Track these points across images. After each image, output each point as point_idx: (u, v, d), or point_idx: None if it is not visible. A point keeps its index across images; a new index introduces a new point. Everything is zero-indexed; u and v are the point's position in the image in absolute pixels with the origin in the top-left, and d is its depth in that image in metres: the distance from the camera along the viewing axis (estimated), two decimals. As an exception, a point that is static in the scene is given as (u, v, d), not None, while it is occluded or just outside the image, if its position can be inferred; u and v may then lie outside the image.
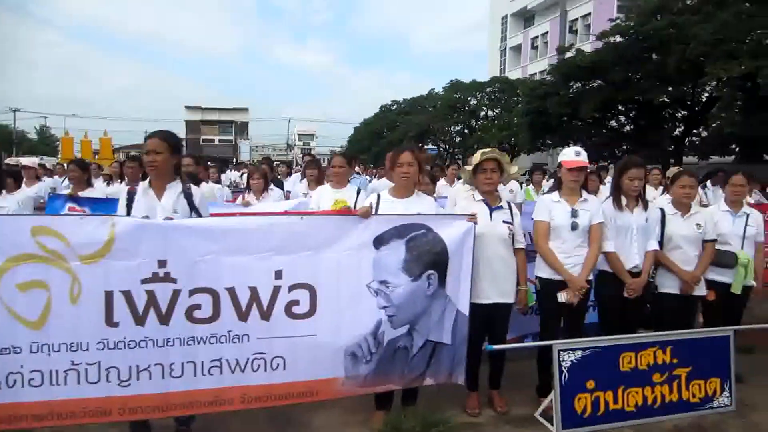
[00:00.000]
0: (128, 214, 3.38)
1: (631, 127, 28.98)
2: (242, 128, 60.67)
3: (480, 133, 36.90)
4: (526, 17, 45.43)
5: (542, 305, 4.14)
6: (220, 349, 3.38)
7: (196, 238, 3.31)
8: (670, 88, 23.44)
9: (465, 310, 3.79)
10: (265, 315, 3.43)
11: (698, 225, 4.32)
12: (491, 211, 3.96)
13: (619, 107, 27.74)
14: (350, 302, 3.57)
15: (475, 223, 3.76)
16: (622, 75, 24.00)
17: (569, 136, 28.11)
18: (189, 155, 6.58)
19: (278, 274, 3.45)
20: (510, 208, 4.04)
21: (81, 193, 5.93)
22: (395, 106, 47.61)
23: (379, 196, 3.89)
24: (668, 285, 4.34)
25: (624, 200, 4.14)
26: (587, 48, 27.71)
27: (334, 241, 3.56)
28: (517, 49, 44.96)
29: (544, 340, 4.07)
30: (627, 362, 3.93)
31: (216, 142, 59.24)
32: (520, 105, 33.46)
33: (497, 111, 38.23)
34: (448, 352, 3.81)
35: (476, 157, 3.99)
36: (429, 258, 3.67)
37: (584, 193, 4.07)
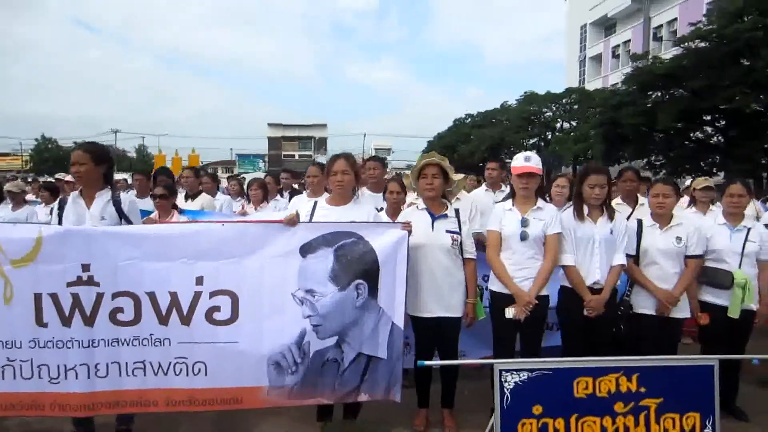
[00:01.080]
0: (60, 222, 3.53)
1: (720, 138, 26.85)
2: (320, 144, 62.53)
3: (554, 146, 35.66)
4: (606, 26, 43.46)
5: (493, 321, 3.85)
6: (143, 352, 3.44)
7: (118, 244, 3.40)
8: (762, 96, 21.49)
9: (400, 323, 3.60)
10: (186, 320, 3.45)
11: (678, 238, 3.85)
12: (434, 219, 3.75)
13: (705, 117, 25.82)
14: (274, 310, 3.51)
15: (409, 232, 3.58)
16: (703, 82, 22.31)
17: (646, 149, 26.54)
18: (188, 168, 6.89)
19: (199, 281, 3.46)
20: (458, 216, 3.80)
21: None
22: (468, 120, 47.10)
23: (315, 203, 3.80)
24: (643, 304, 3.90)
25: (586, 210, 3.77)
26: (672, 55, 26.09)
27: (259, 249, 3.52)
28: (597, 58, 43.04)
29: (497, 357, 3.78)
30: (582, 388, 3.54)
31: (296, 157, 61.44)
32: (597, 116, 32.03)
33: (573, 123, 36.80)
34: (384, 367, 3.62)
35: (417, 163, 3.81)
36: (358, 267, 3.54)
37: (540, 202, 3.76)
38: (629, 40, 39.07)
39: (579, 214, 3.77)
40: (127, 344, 3.42)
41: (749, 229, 4.04)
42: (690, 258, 3.88)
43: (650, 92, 25.21)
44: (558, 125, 38.38)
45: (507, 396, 3.48)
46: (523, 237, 3.66)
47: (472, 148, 40.66)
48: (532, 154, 3.82)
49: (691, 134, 27.20)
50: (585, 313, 3.68)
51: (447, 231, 3.72)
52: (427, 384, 3.95)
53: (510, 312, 3.63)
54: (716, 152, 26.75)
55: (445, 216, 3.77)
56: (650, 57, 24.56)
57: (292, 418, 3.98)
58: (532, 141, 40.72)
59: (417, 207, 3.87)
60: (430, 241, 3.70)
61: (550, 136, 38.76)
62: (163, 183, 5.01)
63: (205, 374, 3.46)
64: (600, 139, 27.92)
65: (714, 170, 26.39)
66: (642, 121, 24.42)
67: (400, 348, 3.61)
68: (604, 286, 3.70)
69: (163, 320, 3.42)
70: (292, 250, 3.52)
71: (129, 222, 3.58)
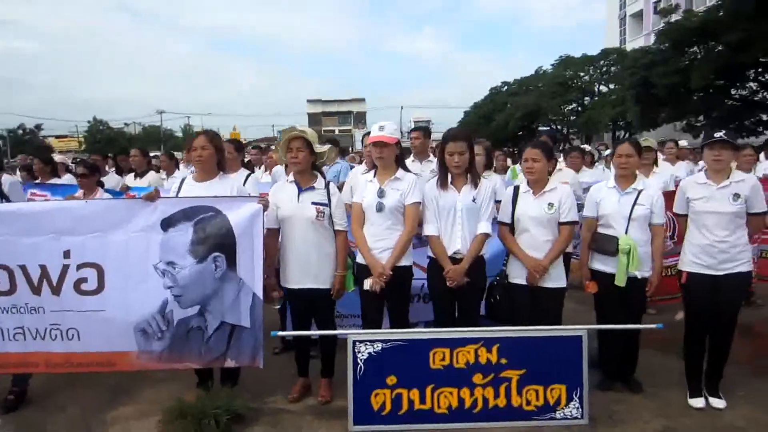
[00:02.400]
0: None
1: (765, 94, 25.12)
2: (359, 117, 62.55)
3: (591, 111, 34.35)
4: (647, -22, 40.88)
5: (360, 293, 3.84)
6: (21, 319, 3.69)
7: None
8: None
9: (260, 293, 3.67)
10: (56, 290, 3.66)
11: (550, 204, 3.70)
12: (300, 192, 3.76)
13: (747, 72, 24.16)
14: (138, 281, 3.66)
15: (265, 205, 3.62)
16: (740, 34, 20.77)
17: (682, 110, 25.15)
18: (136, 148, 7.10)
19: (67, 254, 3.64)
20: (327, 188, 3.79)
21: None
22: (505, 88, 45.86)
23: (183, 180, 3.90)
24: (516, 274, 3.79)
25: (450, 178, 3.68)
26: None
27: (123, 224, 3.66)
28: (638, 15, 40.53)
29: (364, 328, 3.79)
30: (439, 359, 3.52)
31: (336, 132, 61.77)
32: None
33: (612, 86, 35.23)
34: (249, 335, 3.71)
35: (282, 137, 3.81)
36: (215, 240, 3.62)
37: (399, 172, 3.70)
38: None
39: (442, 183, 3.68)
40: (7, 312, 3.69)
41: (639, 192, 3.84)
42: (563, 225, 3.72)
43: (686, 48, 23.75)
44: (596, 89, 36.82)
45: (360, 366, 3.51)
46: (379, 208, 3.62)
47: (507, 117, 39.65)
48: (388, 123, 3.74)
49: (733, 92, 25.58)
50: (447, 283, 3.62)
51: (313, 203, 3.72)
52: (305, 354, 4.02)
53: (367, 283, 3.62)
54: (763, 109, 25.10)
55: (313, 188, 3.77)
56: (682, 10, 22.99)
57: (182, 384, 4.11)
58: (570, 107, 39.37)
59: (287, 180, 3.89)
60: (295, 213, 3.72)
61: (588, 101, 37.31)
62: (83, 163, 5.20)
63: (79, 339, 3.68)
64: (633, 102, 26.64)
65: (761, 129, 24.82)
66: (676, 80, 23.08)
67: (261, 318, 3.69)
68: (466, 256, 3.63)
69: (36, 291, 3.64)
70: (153, 225, 3.64)
71: (8, 201, 3.77)
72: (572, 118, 38.41)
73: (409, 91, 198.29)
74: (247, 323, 3.70)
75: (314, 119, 61.57)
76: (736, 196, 3.58)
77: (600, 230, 3.92)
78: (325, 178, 3.90)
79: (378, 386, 3.52)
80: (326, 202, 3.76)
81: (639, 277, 3.76)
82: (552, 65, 39.33)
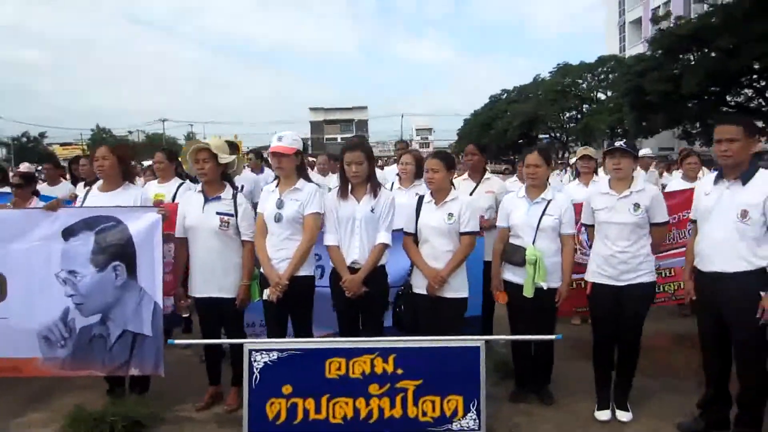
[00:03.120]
0: None
1: (761, 101, 24.94)
2: (361, 125, 62.78)
3: (588, 118, 34.26)
4: (645, -15, 40.77)
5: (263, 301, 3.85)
6: None
7: None
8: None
9: (161, 302, 3.70)
10: None
11: (450, 215, 3.69)
12: (206, 202, 3.78)
13: (742, 79, 24.02)
14: (40, 290, 3.71)
15: (164, 214, 3.65)
16: (730, 40, 20.66)
17: (677, 117, 25.02)
18: (82, 156, 7.13)
19: None
20: (234, 198, 3.81)
21: None
22: (504, 95, 45.86)
23: (89, 190, 3.95)
24: (418, 284, 3.78)
25: (350, 188, 3.69)
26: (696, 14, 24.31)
27: (24, 233, 3.72)
28: (638, 22, 40.47)
29: (269, 337, 3.80)
30: (335, 368, 3.51)
31: (339, 140, 61.93)
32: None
33: (610, 93, 35.13)
34: (151, 343, 3.74)
35: (186, 149, 3.85)
36: (115, 249, 3.68)
37: (300, 182, 3.71)
38: (669, 0, 36.61)
39: (342, 193, 3.69)
40: None
41: (549, 202, 3.83)
42: (463, 235, 3.72)
43: (679, 55, 23.66)
44: (594, 96, 36.74)
45: (256, 376, 3.51)
46: (278, 218, 3.63)
47: (505, 125, 39.64)
48: (286, 134, 3.75)
49: (729, 98, 25.43)
50: (345, 293, 3.63)
51: (217, 213, 3.74)
52: (216, 363, 4.03)
53: (265, 293, 3.63)
54: (758, 116, 24.91)
55: (219, 198, 3.79)
56: (674, 17, 22.92)
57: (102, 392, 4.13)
58: (569, 114, 39.31)
59: (196, 190, 3.92)
60: (199, 223, 3.74)
61: (587, 109, 37.23)
62: (20, 174, 5.25)
63: None
64: (629, 109, 26.55)
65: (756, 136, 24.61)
66: (668, 87, 22.99)
67: (161, 326, 3.71)
68: (363, 266, 3.63)
69: None
70: (54, 234, 3.69)
71: None
72: (571, 125, 38.34)
73: (412, 97, 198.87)
74: (149, 332, 3.73)
75: (316, 127, 61.96)
76: (637, 206, 3.56)
77: (510, 240, 3.91)
78: (234, 188, 3.92)
79: (273, 395, 3.51)
80: (232, 212, 3.77)
81: (545, 287, 3.73)
82: (550, 73, 39.30)
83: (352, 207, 3.66)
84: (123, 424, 3.50)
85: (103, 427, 3.48)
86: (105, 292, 3.68)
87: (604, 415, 3.70)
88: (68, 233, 3.69)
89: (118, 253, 3.66)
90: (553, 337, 3.57)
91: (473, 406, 3.52)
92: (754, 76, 23.37)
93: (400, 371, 3.52)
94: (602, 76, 35.52)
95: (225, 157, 3.79)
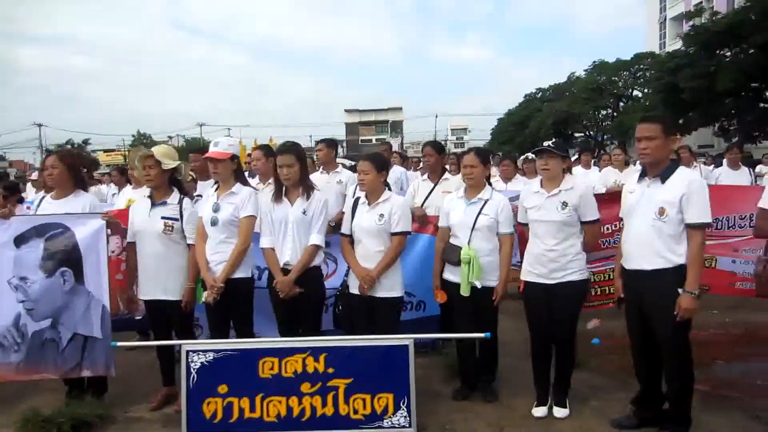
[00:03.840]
0: None
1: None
2: (396, 126, 62.90)
3: (623, 116, 33.34)
4: (687, -20, 39.43)
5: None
6: None
7: None
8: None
9: (108, 305, 3.86)
10: None
11: (381, 216, 3.71)
12: (152, 206, 3.92)
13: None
14: None
15: (108, 220, 3.82)
16: (766, 36, 19.84)
17: (712, 114, 24.12)
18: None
19: None
20: (181, 203, 3.94)
21: None
22: (539, 94, 45.19)
23: (43, 197, 4.15)
24: (353, 284, 3.80)
25: (284, 190, 3.77)
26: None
27: None
28: (678, 19, 39.08)
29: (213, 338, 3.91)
30: (268, 368, 3.58)
31: (373, 141, 62.17)
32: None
33: (646, 91, 34.14)
34: (101, 345, 3.90)
35: (130, 157, 4.02)
36: (62, 255, 3.84)
37: (237, 186, 3.81)
38: (712, -6, 35.28)
39: (276, 196, 3.77)
40: None
41: (486, 202, 3.81)
42: (394, 235, 3.73)
43: (717, 51, 22.85)
44: (630, 94, 35.76)
45: (193, 376, 3.62)
46: (213, 222, 3.73)
47: (539, 124, 39.02)
48: (222, 140, 3.84)
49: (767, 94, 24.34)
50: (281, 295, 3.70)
51: (162, 217, 3.88)
52: (169, 363, 4.16)
53: (203, 296, 3.75)
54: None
55: (165, 203, 3.92)
56: (708, 13, 22.13)
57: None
58: (604, 112, 38.41)
59: (145, 195, 4.07)
60: (145, 227, 3.88)
61: (622, 107, 36.28)
62: (4, 186, 5.57)
63: None
64: (660, 106, 25.73)
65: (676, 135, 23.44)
66: (702, 84, 22.24)
67: (110, 328, 3.87)
68: (294, 267, 3.69)
69: None
70: (6, 242, 3.88)
71: None
72: (606, 123, 37.42)
73: (449, 98, 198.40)
74: (99, 334, 3.89)
75: (351, 129, 62.38)
76: (564, 204, 3.50)
77: (450, 240, 3.90)
78: (182, 193, 4.05)
79: (210, 395, 3.60)
80: (177, 216, 3.91)
81: (479, 286, 3.71)
82: (585, 71, 38.52)
83: (285, 209, 3.74)
84: (72, 425, 3.65)
85: (50, 427, 3.62)
86: (54, 297, 3.84)
87: (539, 411, 3.64)
88: (19, 240, 3.87)
89: (65, 259, 3.83)
90: (482, 335, 3.52)
91: (403, 403, 3.53)
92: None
93: (331, 370, 3.56)
94: (639, 74, 34.51)
95: (169, 163, 3.93)
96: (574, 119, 37.75)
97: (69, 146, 46.37)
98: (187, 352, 3.62)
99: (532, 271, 3.60)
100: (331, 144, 5.62)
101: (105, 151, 56.57)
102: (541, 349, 3.70)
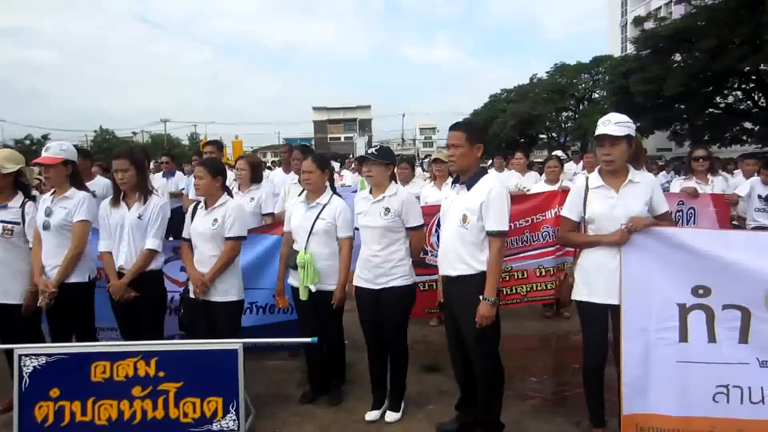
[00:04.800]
0: None
1: (749, 104, 24.53)
2: (364, 125, 62.90)
3: (582, 118, 33.94)
4: (649, -15, 40.29)
5: None
6: None
7: None
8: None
9: None
10: None
11: (215, 220, 3.77)
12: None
13: (730, 82, 23.67)
14: None
15: None
16: (713, 42, 20.41)
17: (664, 118, 24.74)
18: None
19: None
20: (23, 207, 3.94)
21: None
22: (504, 95, 45.62)
23: None
24: (192, 288, 3.89)
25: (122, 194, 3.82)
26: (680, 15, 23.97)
27: None
28: (639, 23, 40.02)
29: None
30: (100, 372, 3.61)
31: (342, 139, 62.14)
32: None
33: (603, 93, 34.79)
34: None
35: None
36: None
37: (71, 190, 3.83)
38: (671, 1, 36.10)
39: (114, 200, 3.81)
40: None
41: (324, 207, 3.87)
42: (227, 240, 3.79)
43: (670, 56, 23.40)
44: (589, 96, 36.40)
45: (26, 380, 3.63)
46: (45, 226, 3.76)
47: (501, 125, 39.45)
48: (53, 144, 3.79)
49: (719, 100, 25.06)
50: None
51: (2, 221, 3.86)
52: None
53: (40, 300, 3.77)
54: (746, 119, 24.49)
55: (6, 207, 3.88)
56: (655, 18, 22.67)
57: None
58: (566, 114, 38.99)
59: None
60: None
61: (582, 109, 36.90)
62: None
63: None
64: (613, 109, 26.28)
65: (745, 138, 24.22)
66: (653, 88, 22.79)
67: None
68: (128, 270, 3.74)
69: None
70: None
71: None
72: (568, 125, 38.01)
73: (419, 97, 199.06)
74: None
75: (320, 127, 62.23)
76: (387, 210, 3.61)
77: (294, 245, 3.98)
78: (27, 196, 4.03)
79: (42, 399, 3.61)
80: (18, 220, 3.91)
81: (313, 290, 3.80)
82: (547, 73, 39.05)
83: (121, 214, 3.77)
84: None
85: None
86: None
87: (371, 415, 3.74)
88: None
89: None
90: (307, 340, 3.61)
91: (232, 407, 3.59)
92: (742, 78, 23.00)
93: (162, 374, 3.61)
94: (597, 77, 35.14)
95: (8, 168, 3.92)
96: (536, 120, 38.24)
97: (28, 141, 44.71)
98: (20, 356, 3.64)
99: (361, 276, 3.71)
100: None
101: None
102: (375, 354, 3.80)
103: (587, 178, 3.29)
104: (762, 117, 22.62)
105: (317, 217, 3.84)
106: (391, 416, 3.73)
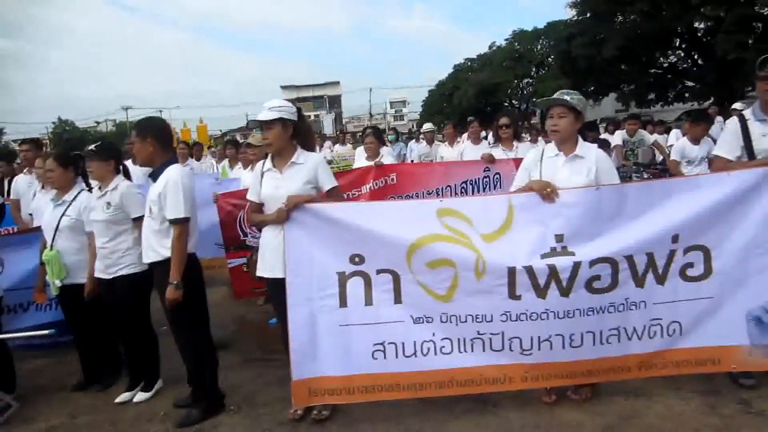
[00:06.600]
0: None
1: (690, 62, 24.69)
2: (333, 101, 62.27)
3: (539, 84, 33.95)
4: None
5: None
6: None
7: None
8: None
9: None
10: None
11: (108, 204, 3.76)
12: None
13: (673, 42, 23.76)
14: None
15: None
16: (647, 3, 20.43)
17: (607, 81, 24.82)
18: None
19: None
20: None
21: None
22: (468, 64, 45.38)
23: None
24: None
25: None
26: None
27: None
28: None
29: None
30: None
31: (312, 117, 61.31)
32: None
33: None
34: None
35: None
36: None
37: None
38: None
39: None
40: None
41: (69, 204, 3.94)
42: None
43: (609, 19, 23.37)
44: (547, 61, 36.32)
45: None
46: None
47: (463, 94, 39.38)
48: None
49: (661, 60, 25.18)
50: None
51: None
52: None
53: None
54: (687, 77, 24.68)
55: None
56: (590, -19, 22.59)
57: None
58: (525, 81, 38.95)
59: None
60: None
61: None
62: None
63: None
64: (560, 74, 26.36)
65: (688, 96, 24.41)
66: (592, 52, 22.84)
67: None
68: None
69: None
70: None
71: None
72: (527, 91, 38.02)
73: (389, 70, 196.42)
74: None
75: (290, 106, 61.41)
76: (108, 204, 3.70)
77: None
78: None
79: None
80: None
81: (59, 284, 3.90)
82: (506, 40, 38.87)
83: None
84: None
85: None
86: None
87: (122, 397, 3.83)
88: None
89: None
90: (45, 332, 3.72)
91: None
92: (676, 39, 23.09)
93: None
94: (553, 42, 35.02)
95: None
96: (497, 89, 38.18)
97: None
98: None
99: (97, 268, 3.82)
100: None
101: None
102: (123, 338, 3.93)
103: (263, 162, 3.39)
104: (699, 75, 22.77)
105: (63, 214, 3.93)
106: (139, 396, 3.85)
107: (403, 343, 3.12)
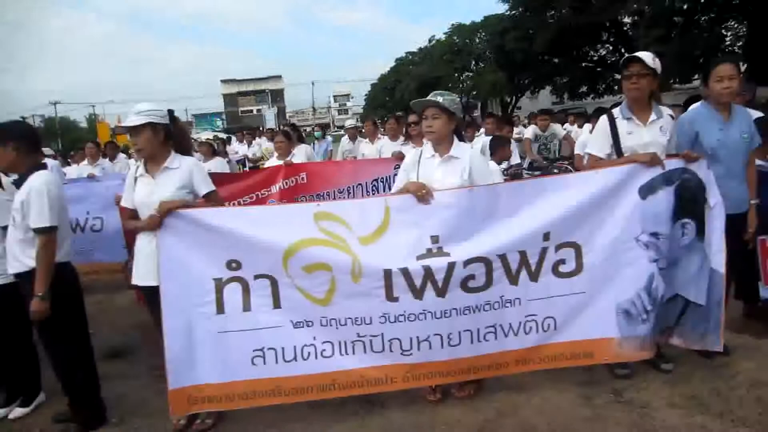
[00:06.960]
0: None
1: (617, 56, 25.61)
2: (276, 96, 61.25)
3: (476, 78, 34.50)
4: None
5: None
6: None
7: None
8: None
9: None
10: None
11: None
12: None
13: (602, 36, 24.59)
14: None
15: None
16: (575, -2, 21.03)
17: (540, 74, 25.52)
18: None
19: None
20: None
21: None
22: (410, 57, 45.59)
23: None
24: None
25: None
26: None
27: None
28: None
29: None
30: None
31: (254, 111, 60.22)
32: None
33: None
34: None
35: None
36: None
37: None
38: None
39: None
40: None
41: None
42: None
43: (541, 13, 23.93)
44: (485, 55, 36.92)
45: None
46: None
47: (404, 88, 39.54)
48: None
49: (592, 54, 26.04)
50: None
51: None
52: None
53: None
54: (617, 71, 25.60)
55: None
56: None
57: None
58: (465, 75, 39.44)
59: None
60: None
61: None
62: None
63: None
64: (496, 68, 26.90)
65: (617, 89, 25.36)
66: (525, 45, 23.37)
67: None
68: None
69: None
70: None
71: None
72: (467, 84, 38.54)
73: (333, 64, 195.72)
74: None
75: (230, 100, 59.85)
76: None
77: None
78: None
79: None
80: None
81: None
82: (445, 33, 39.25)
83: None
84: None
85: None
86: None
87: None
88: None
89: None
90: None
91: None
92: (605, 33, 23.90)
93: None
94: (489, 36, 35.64)
95: None
96: (438, 83, 38.47)
97: None
98: None
99: None
100: None
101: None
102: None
103: (136, 167, 3.27)
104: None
105: None
106: (16, 412, 3.65)
107: (283, 348, 3.09)
